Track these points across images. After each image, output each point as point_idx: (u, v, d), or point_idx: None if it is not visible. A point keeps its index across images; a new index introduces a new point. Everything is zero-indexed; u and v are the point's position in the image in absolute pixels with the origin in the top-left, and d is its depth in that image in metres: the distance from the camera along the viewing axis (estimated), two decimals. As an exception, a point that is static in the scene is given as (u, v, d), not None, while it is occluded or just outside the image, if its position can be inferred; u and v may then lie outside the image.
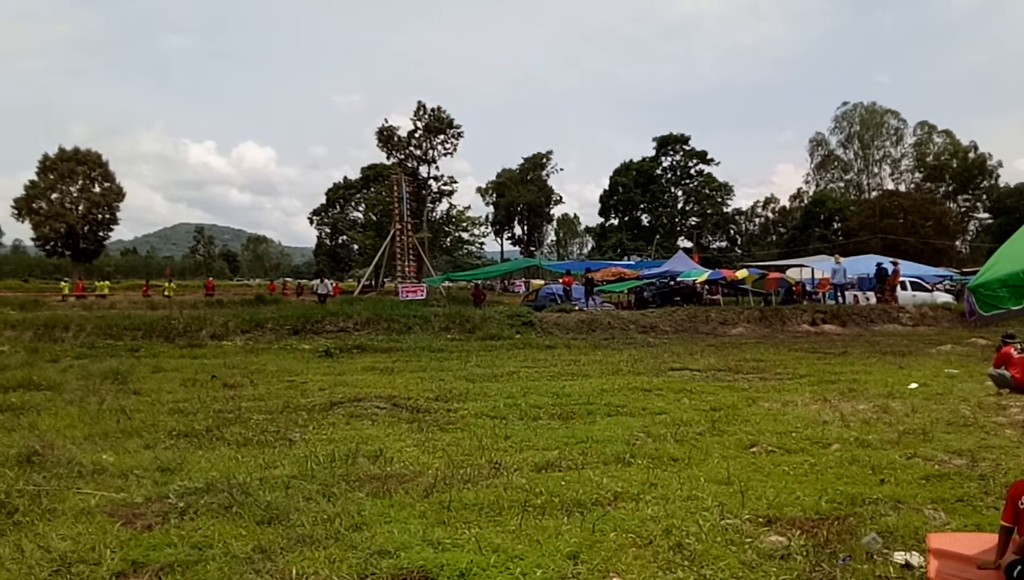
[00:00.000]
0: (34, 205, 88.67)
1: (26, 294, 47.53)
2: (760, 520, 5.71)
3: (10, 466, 7.21)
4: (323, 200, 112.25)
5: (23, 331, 22.24)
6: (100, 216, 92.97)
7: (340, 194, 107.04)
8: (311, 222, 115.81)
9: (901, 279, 32.79)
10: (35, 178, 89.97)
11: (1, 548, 5.20)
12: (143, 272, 61.80)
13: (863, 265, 36.90)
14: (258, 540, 5.33)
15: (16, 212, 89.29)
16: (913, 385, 12.73)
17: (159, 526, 5.72)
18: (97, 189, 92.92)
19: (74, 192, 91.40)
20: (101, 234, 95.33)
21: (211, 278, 66.93)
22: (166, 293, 49.63)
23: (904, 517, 5.72)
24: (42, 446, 7.71)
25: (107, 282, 56.26)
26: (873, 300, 32.12)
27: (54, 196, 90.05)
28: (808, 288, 35.30)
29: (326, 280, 43.05)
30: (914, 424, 9.38)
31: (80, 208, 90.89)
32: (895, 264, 33.50)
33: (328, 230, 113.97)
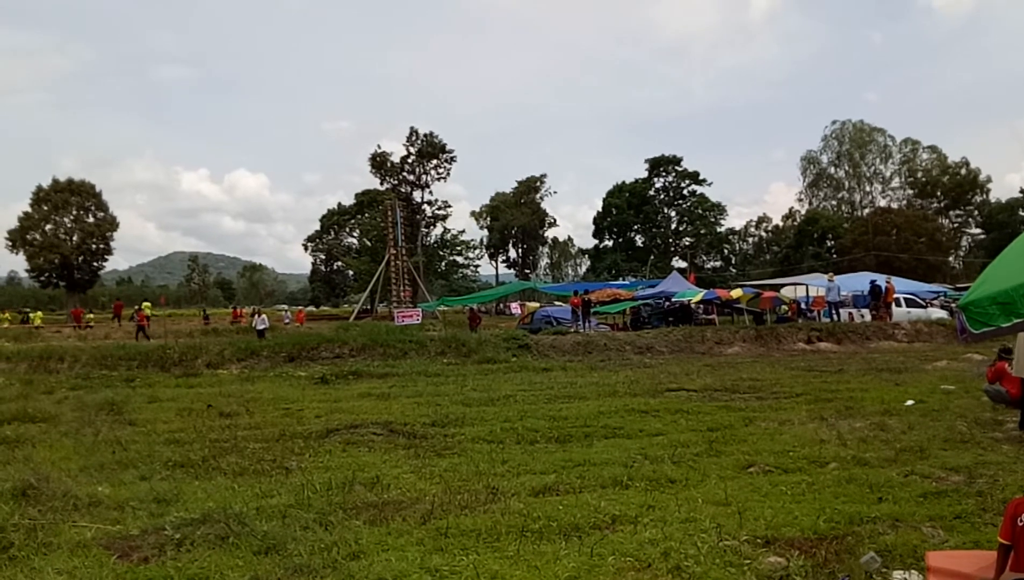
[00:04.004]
0: (28, 236, 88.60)
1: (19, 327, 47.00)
2: (758, 541, 5.69)
3: (5, 500, 7.16)
4: (317, 226, 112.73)
5: (18, 363, 22.18)
6: (94, 246, 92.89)
7: (334, 220, 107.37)
8: (306, 249, 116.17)
9: (895, 296, 32.83)
10: (29, 209, 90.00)
11: (-4, 584, 5.17)
12: (139, 302, 61.09)
13: (857, 282, 36.96)
14: (255, 571, 5.30)
15: (10, 244, 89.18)
16: (909, 402, 12.73)
17: (155, 558, 5.69)
18: (91, 219, 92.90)
19: (68, 222, 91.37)
20: (95, 264, 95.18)
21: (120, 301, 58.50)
22: (88, 324, 46.86)
23: (902, 535, 5.71)
24: (37, 479, 7.67)
25: (39, 313, 55.41)
26: (868, 317, 32.14)
27: (48, 227, 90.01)
28: (803, 306, 35.34)
29: (263, 314, 39.71)
30: (911, 441, 9.39)
31: (74, 238, 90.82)
32: (889, 281, 33.54)
33: (323, 256, 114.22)
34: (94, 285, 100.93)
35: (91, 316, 51.68)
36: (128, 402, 15.07)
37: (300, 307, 69.32)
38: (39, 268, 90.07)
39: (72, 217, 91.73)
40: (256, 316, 38.27)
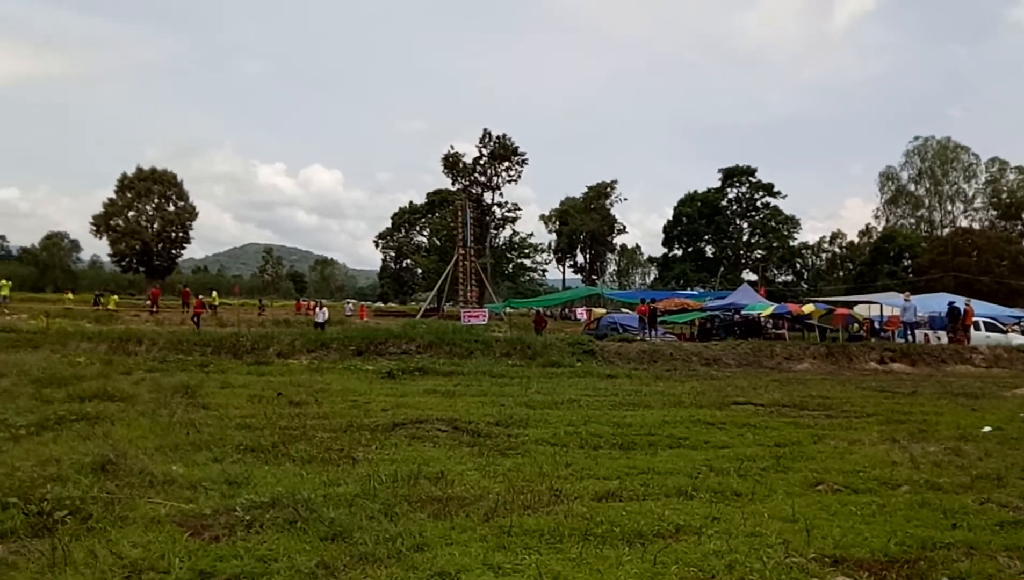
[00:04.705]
0: (112, 222, 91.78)
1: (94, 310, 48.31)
2: (826, 560, 5.58)
3: (85, 473, 7.40)
4: (389, 224, 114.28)
5: (98, 343, 22.94)
6: (174, 234, 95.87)
7: (405, 218, 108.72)
8: (376, 245, 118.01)
9: (974, 319, 31.86)
10: (113, 196, 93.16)
11: (76, 552, 5.35)
12: (213, 290, 62.92)
13: (934, 303, 36.03)
14: (322, 556, 5.39)
15: (95, 228, 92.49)
16: (987, 428, 12.33)
17: (226, 538, 5.83)
18: (171, 208, 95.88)
19: (150, 210, 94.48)
20: (174, 252, 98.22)
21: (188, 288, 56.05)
22: (111, 306, 49.26)
23: (977, 564, 5.54)
24: (115, 455, 7.92)
25: (115, 297, 56.73)
26: (944, 340, 31.27)
27: (131, 214, 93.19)
28: (877, 325, 34.55)
29: (324, 307, 40.46)
30: (988, 469, 9.07)
31: (155, 226, 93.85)
32: (968, 303, 32.56)
33: (393, 253, 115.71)
34: (172, 272, 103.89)
35: (115, 297, 53.07)
36: (202, 386, 15.44)
37: (363, 303, 70.07)
38: (121, 253, 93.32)
39: (154, 205, 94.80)
40: (317, 309, 39.27)
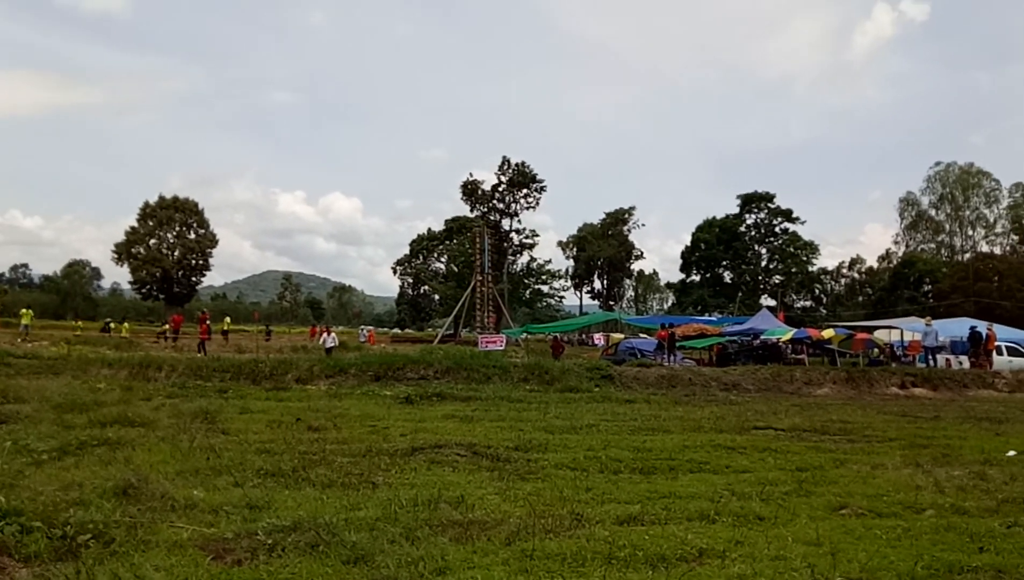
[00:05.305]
0: (133, 250, 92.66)
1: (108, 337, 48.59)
2: (852, 583, 5.53)
3: (107, 497, 7.43)
4: (406, 251, 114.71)
5: (119, 370, 23.06)
6: (194, 261, 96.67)
7: (423, 245, 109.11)
8: (394, 272, 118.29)
9: (996, 343, 31.57)
10: (135, 224, 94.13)
11: (100, 576, 5.35)
12: (232, 317, 63.86)
13: (955, 328, 35.73)
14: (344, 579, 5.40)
15: (116, 256, 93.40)
16: (1012, 453, 12.19)
17: (248, 562, 5.83)
18: (192, 235, 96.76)
19: (171, 238, 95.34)
20: (194, 279, 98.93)
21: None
22: (123, 333, 50.23)
23: (1006, 588, 5.47)
24: (137, 480, 7.95)
25: (126, 325, 57.14)
26: (966, 364, 31.00)
27: (152, 242, 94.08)
28: (897, 351, 34.29)
29: (332, 333, 41.14)
30: (1014, 492, 8.97)
31: (176, 253, 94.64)
32: (990, 328, 32.28)
33: (410, 280, 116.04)
34: (192, 299, 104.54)
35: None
36: (221, 412, 15.48)
37: (371, 329, 70.49)
38: (141, 281, 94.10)
39: (175, 233, 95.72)
40: (326, 334, 39.57)
